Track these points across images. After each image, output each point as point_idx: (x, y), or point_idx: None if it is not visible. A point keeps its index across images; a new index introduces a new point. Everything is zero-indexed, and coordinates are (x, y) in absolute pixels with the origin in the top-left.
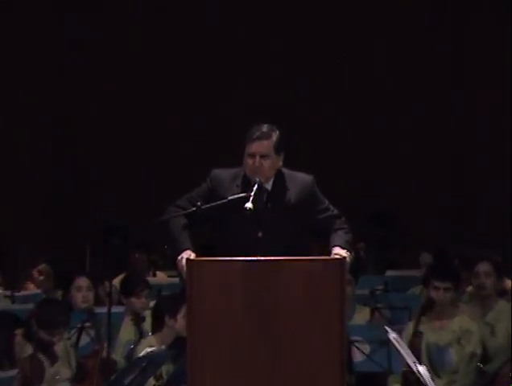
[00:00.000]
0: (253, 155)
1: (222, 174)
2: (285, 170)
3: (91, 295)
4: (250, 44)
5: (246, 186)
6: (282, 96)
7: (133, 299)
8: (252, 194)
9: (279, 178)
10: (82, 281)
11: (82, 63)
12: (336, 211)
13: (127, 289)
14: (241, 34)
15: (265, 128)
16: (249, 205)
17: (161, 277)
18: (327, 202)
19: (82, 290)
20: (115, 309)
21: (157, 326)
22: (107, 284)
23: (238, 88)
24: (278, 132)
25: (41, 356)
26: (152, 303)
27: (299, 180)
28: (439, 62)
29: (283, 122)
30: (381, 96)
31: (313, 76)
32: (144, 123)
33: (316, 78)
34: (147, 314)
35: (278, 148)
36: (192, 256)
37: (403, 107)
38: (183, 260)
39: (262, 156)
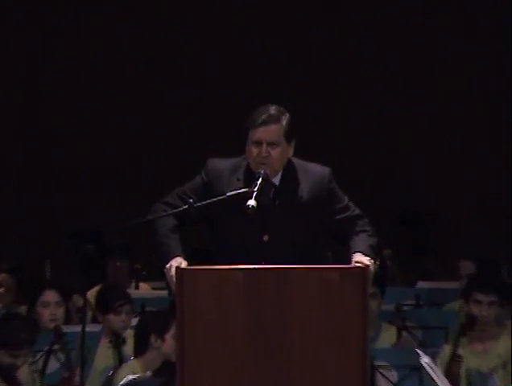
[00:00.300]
0: (258, 143)
1: (221, 164)
2: (296, 161)
3: (60, 312)
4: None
5: (249, 179)
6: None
7: (111, 316)
8: (255, 189)
9: (289, 170)
10: (50, 296)
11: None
12: (357, 211)
13: (104, 304)
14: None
15: (272, 110)
16: (251, 203)
17: (145, 290)
18: (347, 199)
19: (50, 306)
20: (89, 328)
21: (140, 349)
22: (76, 298)
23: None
24: (288, 115)
25: (0, 383)
26: (134, 321)
27: (314, 173)
28: (484, 60)
29: (301, 113)
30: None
31: (351, 65)
32: (121, 114)
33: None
34: (129, 334)
35: (289, 134)
36: (183, 263)
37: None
38: (173, 269)
39: (270, 144)
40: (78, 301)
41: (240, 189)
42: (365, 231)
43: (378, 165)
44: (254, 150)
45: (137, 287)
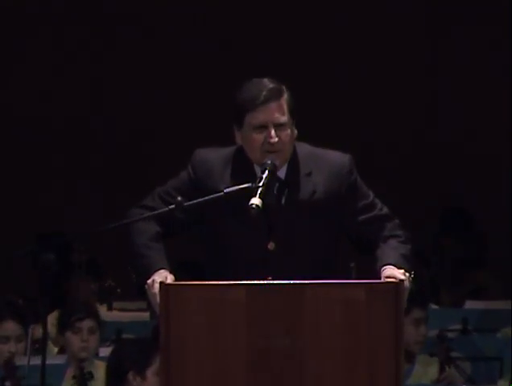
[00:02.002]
0: (263, 127)
1: (211, 156)
2: (305, 147)
3: (20, 348)
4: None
5: (246, 173)
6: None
7: (68, 335)
8: (261, 184)
9: (296, 159)
10: (9, 327)
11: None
12: (385, 210)
13: (62, 323)
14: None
15: (269, 83)
16: (255, 201)
17: (120, 312)
18: (372, 195)
19: (10, 342)
20: (51, 360)
21: None
22: (35, 328)
23: None
24: (284, 86)
25: None
26: (105, 350)
27: (329, 162)
28: None
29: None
30: None
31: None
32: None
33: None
34: (98, 366)
35: (293, 110)
36: (169, 278)
37: None
38: (156, 285)
39: (278, 125)
40: (36, 331)
41: (234, 186)
42: (395, 236)
43: (409, 154)
44: (259, 137)
45: (109, 308)
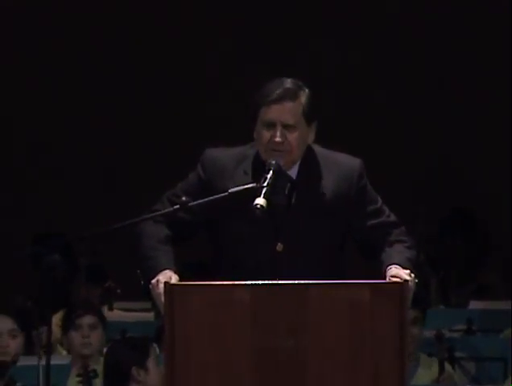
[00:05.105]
0: (271, 124)
1: (222, 155)
2: (318, 150)
3: (15, 344)
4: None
5: (260, 172)
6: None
7: (70, 332)
8: (265, 184)
9: (309, 160)
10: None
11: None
12: (393, 217)
13: (65, 324)
14: None
15: (288, 83)
16: (260, 201)
17: (125, 313)
18: (380, 201)
19: (1, 337)
20: (55, 360)
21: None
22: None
23: None
24: (307, 90)
25: None
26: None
27: (340, 165)
28: None
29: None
30: None
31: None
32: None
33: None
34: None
35: (310, 114)
36: (174, 278)
37: None
38: (161, 285)
39: (286, 126)
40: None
41: (247, 184)
42: (401, 241)
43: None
44: (266, 134)
45: (110, 308)
